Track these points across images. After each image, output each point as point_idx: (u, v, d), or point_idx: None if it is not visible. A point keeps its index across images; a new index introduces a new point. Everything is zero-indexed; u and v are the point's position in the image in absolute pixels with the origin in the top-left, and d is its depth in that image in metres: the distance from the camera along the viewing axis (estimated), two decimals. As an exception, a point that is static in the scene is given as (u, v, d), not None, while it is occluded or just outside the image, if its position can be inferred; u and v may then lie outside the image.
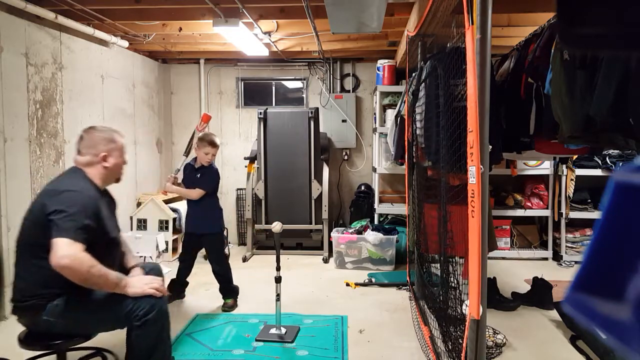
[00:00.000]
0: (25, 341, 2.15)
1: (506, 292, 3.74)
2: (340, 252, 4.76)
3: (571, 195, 4.81)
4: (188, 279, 3.83)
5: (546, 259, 5.06)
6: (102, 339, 2.39)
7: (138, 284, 2.12)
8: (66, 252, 1.89)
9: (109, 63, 4.70)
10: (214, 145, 3.54)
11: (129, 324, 2.10)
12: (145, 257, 4.78)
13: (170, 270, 3.94)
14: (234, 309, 3.60)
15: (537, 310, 3.54)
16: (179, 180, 3.68)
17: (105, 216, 2.18)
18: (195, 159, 3.64)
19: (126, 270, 2.36)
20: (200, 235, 3.62)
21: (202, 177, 3.56)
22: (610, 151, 4.61)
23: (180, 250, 3.86)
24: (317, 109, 5.27)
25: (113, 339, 2.68)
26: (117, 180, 2.36)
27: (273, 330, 3.09)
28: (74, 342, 2.19)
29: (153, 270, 2.47)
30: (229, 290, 3.65)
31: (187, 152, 3.74)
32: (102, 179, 2.25)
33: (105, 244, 2.19)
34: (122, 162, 2.33)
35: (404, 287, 4.08)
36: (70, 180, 2.16)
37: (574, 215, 4.85)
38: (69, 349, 2.29)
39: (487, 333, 2.26)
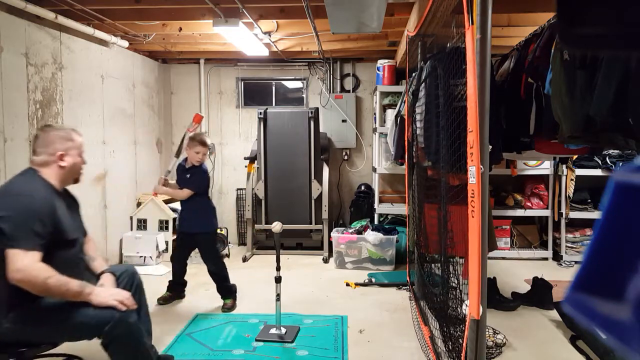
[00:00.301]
0: None
1: (506, 292, 3.74)
2: (340, 252, 4.76)
3: (571, 195, 4.81)
4: (186, 278, 3.83)
5: (546, 259, 5.06)
6: (73, 345, 2.26)
7: (103, 293, 2.03)
8: (19, 265, 1.80)
9: (109, 63, 4.70)
10: (204, 144, 3.54)
11: (96, 337, 2.00)
12: (145, 257, 4.78)
13: (169, 270, 3.93)
14: (234, 309, 3.60)
15: (537, 310, 3.54)
16: (171, 182, 3.70)
17: (63, 218, 2.05)
18: (186, 159, 3.64)
19: (95, 276, 2.25)
20: (193, 234, 3.62)
21: (191, 177, 3.58)
22: (610, 151, 4.61)
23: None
24: (317, 109, 5.27)
25: (85, 344, 2.47)
26: (76, 180, 2.24)
27: (273, 330, 3.09)
28: (41, 349, 2.10)
29: (125, 272, 2.36)
30: (226, 290, 3.65)
31: (177, 154, 3.77)
32: (58, 179, 2.12)
33: (65, 247, 2.07)
34: (81, 161, 2.21)
35: (404, 287, 4.08)
36: (21, 183, 2.03)
37: (574, 215, 4.85)
38: (35, 356, 2.19)
39: (487, 333, 2.26)
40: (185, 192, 3.55)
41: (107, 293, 2.05)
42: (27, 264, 1.82)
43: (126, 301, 2.05)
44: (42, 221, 1.92)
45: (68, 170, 2.15)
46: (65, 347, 2.26)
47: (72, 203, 2.27)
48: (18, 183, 2.04)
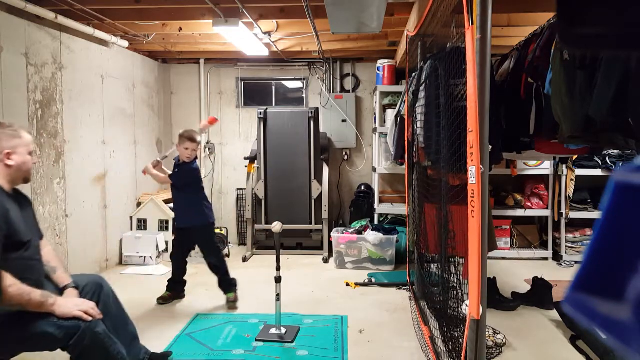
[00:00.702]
0: None
1: (506, 292, 3.74)
2: (340, 252, 4.76)
3: (571, 195, 4.81)
4: (186, 278, 3.83)
5: (546, 259, 5.06)
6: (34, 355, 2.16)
7: (67, 304, 1.95)
8: None
9: (109, 63, 4.70)
10: (193, 140, 3.55)
11: (60, 348, 1.94)
12: (145, 257, 4.78)
13: (169, 270, 3.93)
14: (237, 302, 3.61)
15: (537, 310, 3.54)
16: (164, 168, 3.76)
17: (15, 220, 1.95)
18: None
19: (59, 289, 2.16)
20: (191, 228, 3.62)
21: (178, 171, 3.62)
22: (610, 151, 4.61)
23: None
24: (317, 109, 5.27)
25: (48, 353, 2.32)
26: (26, 180, 2.14)
27: (273, 330, 3.09)
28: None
29: (91, 283, 2.27)
30: (228, 284, 3.66)
31: (164, 157, 3.87)
32: (7, 179, 2.02)
33: (19, 250, 1.97)
34: (30, 160, 2.10)
35: (404, 287, 4.08)
36: None
37: (574, 215, 4.85)
38: None
39: (487, 333, 2.26)
40: (167, 179, 3.64)
41: (72, 304, 1.98)
42: None
43: (91, 311, 1.98)
44: None
45: (16, 170, 2.04)
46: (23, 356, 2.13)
47: (23, 203, 2.13)
48: None
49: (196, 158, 3.68)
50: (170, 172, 3.67)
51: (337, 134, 5.84)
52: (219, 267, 3.63)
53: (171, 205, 5.08)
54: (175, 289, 3.77)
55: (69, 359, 1.98)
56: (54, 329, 1.90)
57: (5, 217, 1.90)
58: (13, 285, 1.79)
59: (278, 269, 3.07)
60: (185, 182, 3.63)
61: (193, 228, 3.63)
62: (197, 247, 3.86)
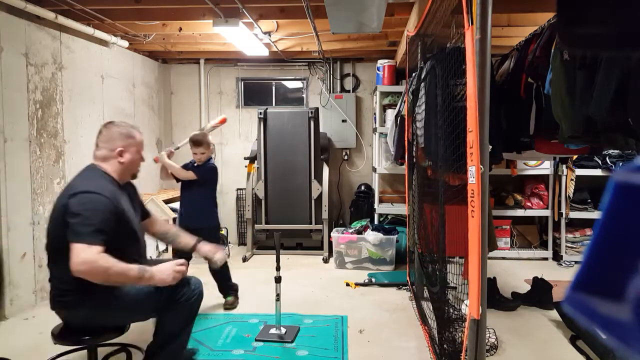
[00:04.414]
0: (59, 336, 2.18)
1: (506, 292, 3.74)
2: (340, 252, 4.76)
3: (571, 195, 4.81)
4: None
5: (546, 259, 5.06)
6: (127, 335, 2.42)
7: (160, 274, 2.09)
8: (82, 258, 1.89)
9: (109, 63, 4.70)
10: (197, 144, 3.53)
11: (167, 305, 2.14)
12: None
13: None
14: (236, 306, 3.61)
15: (537, 310, 3.54)
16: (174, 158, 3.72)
17: (126, 210, 2.17)
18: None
19: (189, 251, 2.56)
20: (195, 229, 3.61)
21: (199, 169, 3.59)
22: (610, 151, 4.61)
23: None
24: (317, 109, 5.27)
25: (139, 335, 2.75)
26: (134, 176, 2.37)
27: (273, 330, 3.09)
28: (105, 337, 2.22)
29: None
30: (228, 288, 3.65)
31: (177, 148, 3.82)
32: (117, 174, 2.22)
33: (128, 238, 2.20)
34: (139, 158, 2.33)
35: (404, 287, 4.08)
36: (87, 180, 2.13)
37: (574, 215, 4.85)
38: (100, 345, 2.34)
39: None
40: (190, 174, 3.53)
41: (166, 272, 2.10)
42: (89, 257, 1.89)
43: (183, 269, 2.16)
44: (107, 217, 2.01)
45: (126, 167, 2.25)
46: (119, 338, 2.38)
47: (131, 191, 2.36)
48: (85, 181, 2.14)
49: (210, 158, 3.67)
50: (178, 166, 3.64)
51: (337, 134, 5.84)
52: (219, 272, 3.61)
53: (171, 205, 5.09)
54: None
55: (161, 315, 2.19)
56: (166, 295, 2.12)
57: (116, 212, 2.07)
58: (112, 266, 1.94)
59: (278, 269, 3.07)
60: (211, 179, 3.64)
61: (198, 229, 3.61)
62: None
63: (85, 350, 2.35)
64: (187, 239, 2.58)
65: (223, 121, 4.03)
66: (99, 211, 1.99)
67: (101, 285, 2.00)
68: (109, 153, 2.21)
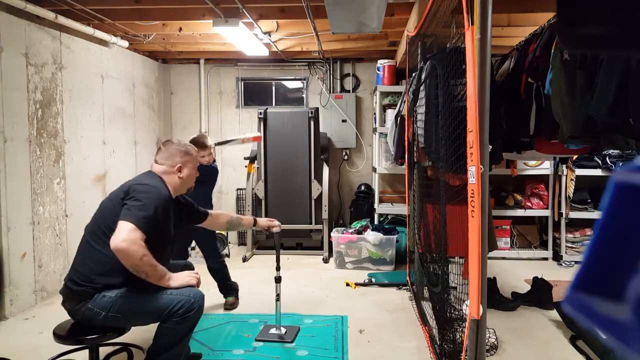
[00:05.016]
0: (60, 335, 2.20)
1: (506, 292, 3.74)
2: (340, 252, 4.76)
3: (571, 195, 4.81)
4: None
5: (546, 259, 5.06)
6: (127, 335, 2.44)
7: (179, 277, 2.25)
8: (127, 236, 2.01)
9: (109, 63, 4.70)
10: (203, 147, 3.53)
11: (168, 317, 2.18)
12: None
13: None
14: (236, 307, 3.61)
15: (537, 310, 3.54)
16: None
17: (171, 216, 2.35)
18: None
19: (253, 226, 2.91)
20: (191, 228, 3.61)
21: (200, 171, 3.59)
22: (610, 151, 4.61)
23: None
24: (317, 109, 5.27)
25: (140, 334, 2.76)
26: (189, 189, 2.54)
27: (273, 330, 3.09)
28: (107, 337, 2.24)
29: (187, 266, 2.71)
30: (228, 288, 3.65)
31: (217, 143, 3.88)
32: (175, 187, 2.40)
33: (163, 241, 2.32)
34: (195, 173, 2.51)
35: (404, 287, 4.08)
36: (150, 179, 2.32)
37: (574, 215, 4.85)
38: (100, 344, 2.36)
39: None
40: None
41: (182, 276, 2.27)
42: (133, 238, 2.03)
43: (198, 276, 2.34)
44: (157, 211, 2.17)
45: (184, 181, 2.44)
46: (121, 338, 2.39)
47: (176, 210, 2.47)
48: (147, 179, 2.33)
49: (214, 160, 3.68)
50: None
51: (337, 134, 5.84)
52: (218, 271, 3.62)
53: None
54: None
55: (162, 324, 2.21)
56: (171, 306, 2.16)
57: (166, 212, 2.26)
58: (147, 255, 2.07)
59: (278, 269, 3.07)
60: (204, 180, 3.65)
61: (193, 228, 3.62)
62: (197, 247, 3.86)
63: (86, 351, 2.36)
64: (248, 219, 2.95)
65: (256, 139, 4.11)
66: (154, 204, 2.16)
67: (118, 284, 2.14)
68: (169, 169, 2.39)
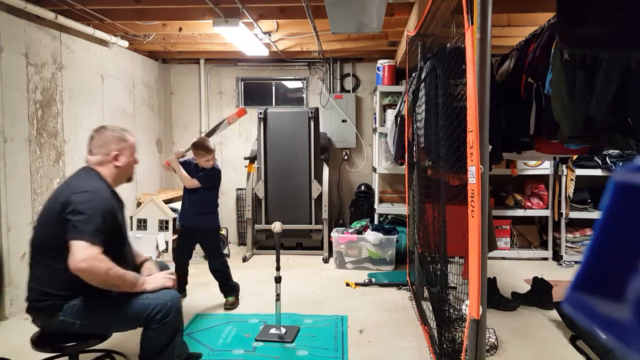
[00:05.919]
0: (38, 343, 2.08)
1: (506, 292, 3.74)
2: (340, 252, 4.76)
3: (571, 195, 4.81)
4: (187, 278, 3.82)
5: (546, 259, 5.06)
6: (111, 341, 2.34)
7: (153, 280, 2.17)
8: (84, 255, 1.89)
9: (109, 63, 4.70)
10: (209, 150, 3.53)
11: (147, 323, 2.10)
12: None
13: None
14: (236, 307, 3.61)
15: (537, 310, 3.54)
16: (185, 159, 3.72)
17: (118, 215, 2.19)
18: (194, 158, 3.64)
19: (137, 268, 2.37)
20: (197, 230, 3.62)
21: (203, 174, 3.58)
22: (610, 151, 4.61)
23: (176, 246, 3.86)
24: (317, 109, 5.27)
25: (123, 340, 2.69)
26: (129, 179, 2.36)
27: (273, 330, 3.09)
28: (88, 344, 2.14)
29: (162, 268, 2.54)
30: (229, 288, 3.65)
31: (208, 134, 3.83)
32: (113, 178, 2.24)
33: (119, 244, 2.19)
34: (133, 160, 2.32)
35: (404, 287, 4.08)
36: (86, 180, 2.14)
37: (574, 215, 4.85)
38: (81, 351, 2.23)
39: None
40: (193, 182, 3.53)
41: (157, 278, 2.20)
42: (91, 255, 1.91)
43: (173, 277, 2.25)
44: (105, 218, 2.03)
45: (122, 170, 2.25)
46: (104, 343, 2.30)
47: (119, 202, 2.33)
48: (83, 180, 2.14)
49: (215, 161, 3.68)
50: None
51: (337, 134, 5.84)
52: (220, 271, 3.62)
53: (172, 205, 5.09)
54: (178, 284, 3.76)
55: (143, 332, 2.13)
56: (148, 310, 2.07)
57: (113, 215, 2.12)
58: (112, 268, 1.97)
59: (278, 269, 3.07)
60: (215, 182, 3.66)
61: (199, 230, 3.62)
62: (199, 248, 3.86)
63: (67, 358, 2.24)
64: (138, 257, 2.45)
65: (241, 113, 4.00)
66: (100, 211, 2.01)
67: (84, 290, 1.99)
68: (104, 158, 2.21)
